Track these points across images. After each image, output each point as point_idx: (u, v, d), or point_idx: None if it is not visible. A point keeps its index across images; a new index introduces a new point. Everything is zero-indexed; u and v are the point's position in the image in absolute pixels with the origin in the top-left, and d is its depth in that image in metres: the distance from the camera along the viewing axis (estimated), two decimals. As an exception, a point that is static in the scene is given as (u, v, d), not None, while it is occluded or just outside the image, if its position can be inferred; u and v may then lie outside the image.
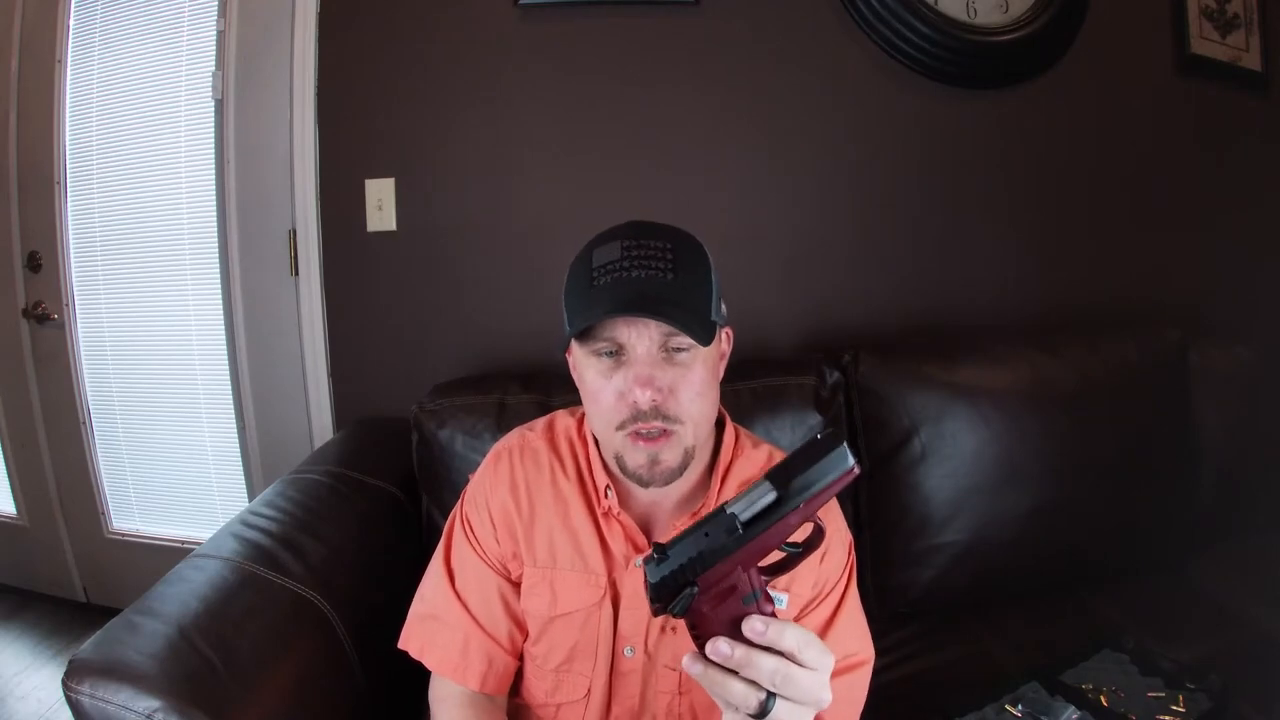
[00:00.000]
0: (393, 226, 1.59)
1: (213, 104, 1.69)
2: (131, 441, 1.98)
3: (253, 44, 1.64)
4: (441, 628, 0.87)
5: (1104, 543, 1.37)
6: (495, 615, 0.87)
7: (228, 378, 1.80)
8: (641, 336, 0.73)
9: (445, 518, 1.24)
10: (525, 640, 0.89)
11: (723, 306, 0.79)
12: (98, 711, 0.75)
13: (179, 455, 1.96)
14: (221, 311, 1.77)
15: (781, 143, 1.62)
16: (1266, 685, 1.05)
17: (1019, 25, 1.59)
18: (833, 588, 0.83)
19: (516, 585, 0.88)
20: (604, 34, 1.56)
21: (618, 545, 0.85)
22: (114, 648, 0.81)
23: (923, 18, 1.56)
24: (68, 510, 2.05)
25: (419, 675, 0.91)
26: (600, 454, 0.85)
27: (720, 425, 0.88)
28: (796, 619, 0.81)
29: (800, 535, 0.54)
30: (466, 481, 0.94)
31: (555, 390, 1.29)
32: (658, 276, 0.72)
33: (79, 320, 1.93)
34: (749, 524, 0.50)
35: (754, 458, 0.88)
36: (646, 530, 0.86)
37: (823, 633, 0.81)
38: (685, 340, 0.73)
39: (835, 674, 0.56)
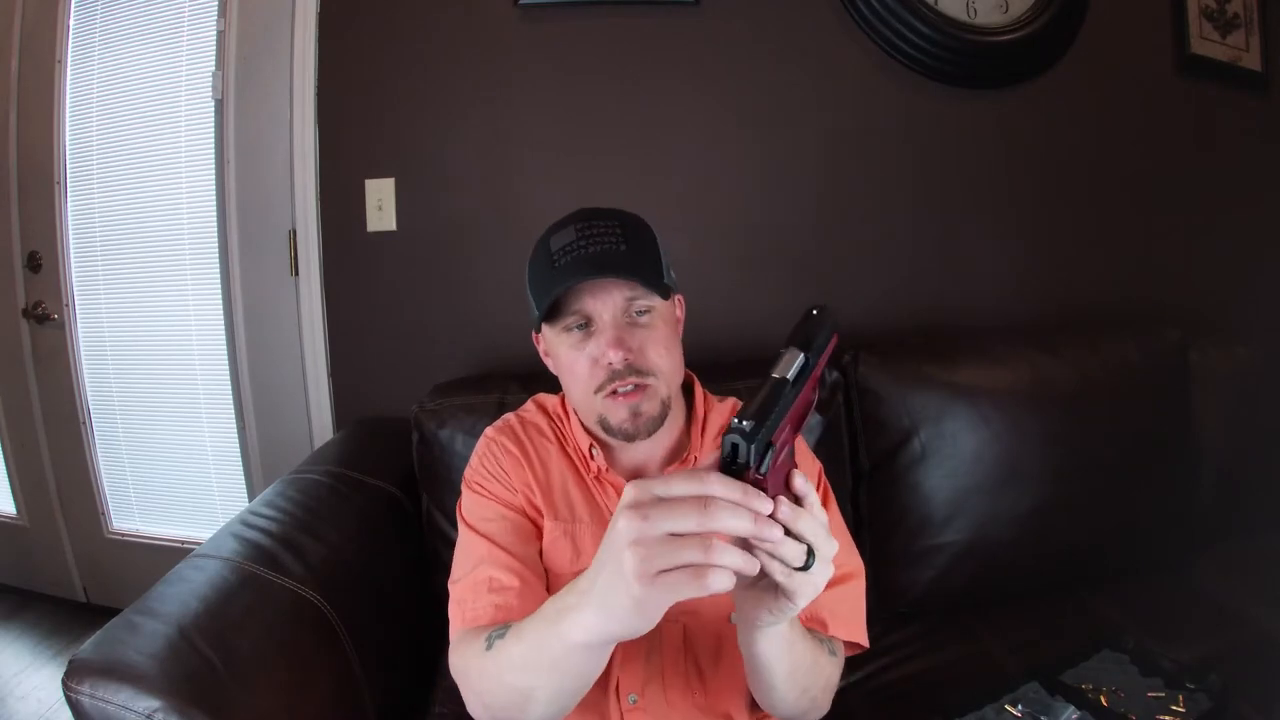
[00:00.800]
0: (393, 226, 1.59)
1: (213, 104, 1.69)
2: (131, 441, 1.98)
3: (253, 44, 1.64)
4: (471, 583, 0.82)
5: (1104, 543, 1.37)
6: (524, 539, 0.86)
7: (228, 378, 1.80)
8: (606, 305, 0.80)
9: (445, 518, 1.25)
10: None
11: (672, 273, 0.87)
12: (98, 711, 0.75)
13: (179, 455, 1.96)
14: (221, 311, 1.77)
15: (781, 142, 1.62)
16: (1266, 685, 1.05)
17: (1019, 25, 1.60)
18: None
19: (539, 529, 0.88)
20: (604, 34, 1.57)
21: (611, 507, 0.86)
22: (114, 648, 0.81)
23: (923, 18, 1.56)
24: (68, 510, 2.05)
25: (419, 675, 0.91)
26: (582, 423, 0.89)
27: (689, 387, 0.95)
28: None
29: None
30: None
31: (555, 391, 1.28)
32: (612, 248, 0.80)
33: (79, 320, 1.93)
34: (794, 383, 0.54)
35: (721, 409, 0.96)
36: None
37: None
38: (645, 303, 0.81)
39: (830, 584, 0.57)
